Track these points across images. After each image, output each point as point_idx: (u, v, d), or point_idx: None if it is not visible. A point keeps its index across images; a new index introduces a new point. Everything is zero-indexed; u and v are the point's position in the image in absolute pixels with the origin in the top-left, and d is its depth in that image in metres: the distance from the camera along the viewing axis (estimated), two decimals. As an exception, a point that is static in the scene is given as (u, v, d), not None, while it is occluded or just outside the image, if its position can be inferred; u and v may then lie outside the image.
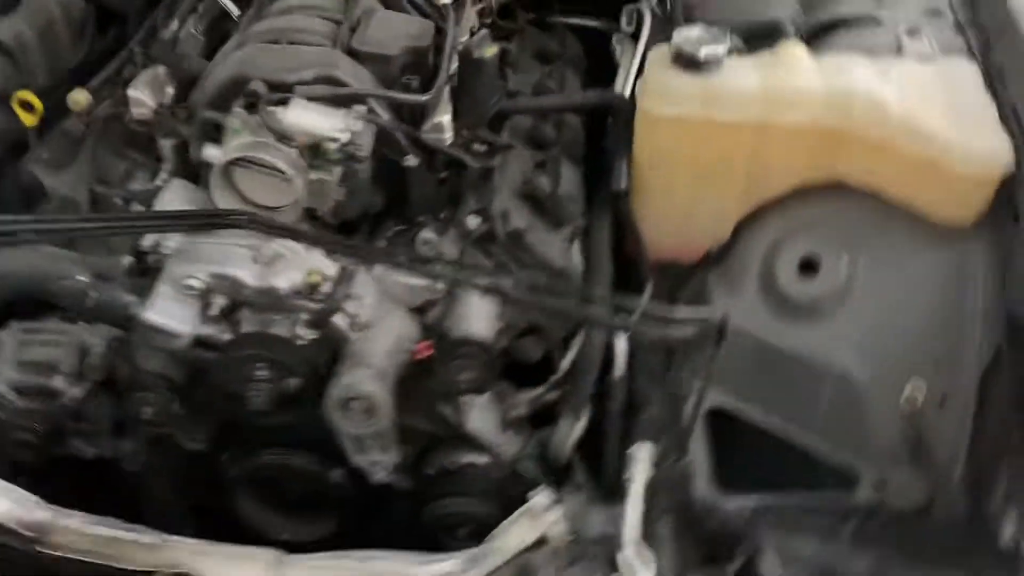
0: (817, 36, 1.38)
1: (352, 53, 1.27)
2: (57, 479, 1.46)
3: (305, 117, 1.15)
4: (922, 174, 1.22)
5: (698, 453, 1.33)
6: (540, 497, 0.93)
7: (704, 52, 1.23)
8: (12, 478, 1.40)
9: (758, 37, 1.33)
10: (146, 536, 0.95)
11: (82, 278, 1.19)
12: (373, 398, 1.22)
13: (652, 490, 1.07)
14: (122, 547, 0.94)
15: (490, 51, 1.31)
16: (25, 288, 1.20)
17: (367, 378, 1.22)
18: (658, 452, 1.10)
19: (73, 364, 1.29)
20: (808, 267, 1.32)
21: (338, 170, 1.16)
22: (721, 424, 1.38)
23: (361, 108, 1.18)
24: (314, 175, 1.18)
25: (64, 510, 0.98)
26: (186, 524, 1.54)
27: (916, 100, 1.23)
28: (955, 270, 1.25)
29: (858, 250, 1.31)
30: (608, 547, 0.93)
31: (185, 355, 1.25)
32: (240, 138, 1.16)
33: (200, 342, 1.24)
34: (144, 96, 1.30)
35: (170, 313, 1.20)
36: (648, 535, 1.15)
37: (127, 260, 1.26)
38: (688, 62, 1.24)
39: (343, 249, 1.16)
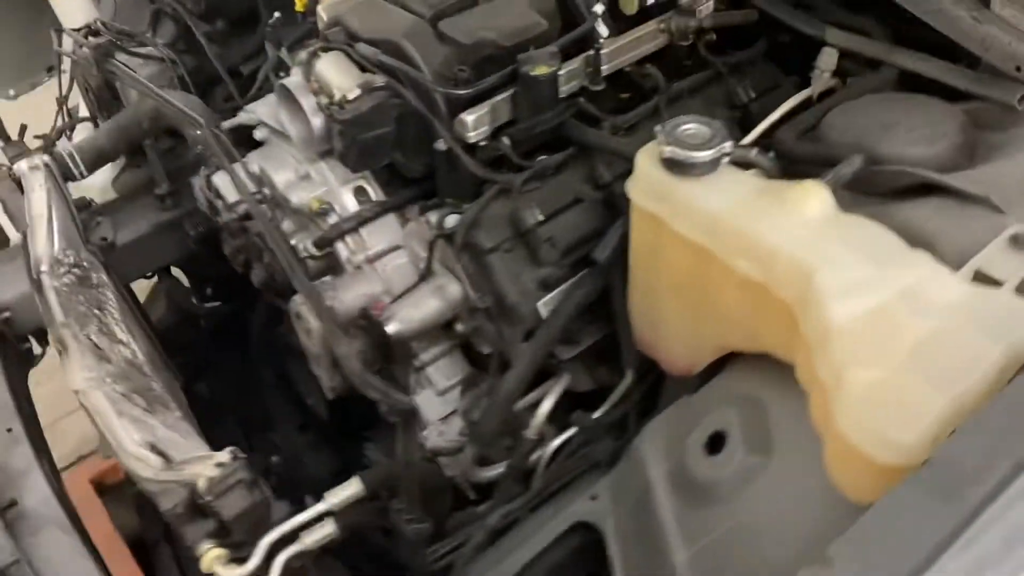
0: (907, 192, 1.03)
1: (439, 31, 1.34)
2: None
3: (326, 69, 1.29)
4: (823, 414, 0.90)
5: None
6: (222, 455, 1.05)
7: (686, 154, 1.04)
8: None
9: (809, 162, 1.06)
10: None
11: (199, 132, 1.54)
12: (310, 325, 1.39)
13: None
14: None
15: (541, 69, 1.26)
16: (172, 126, 1.60)
17: (309, 307, 1.39)
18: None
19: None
20: (714, 444, 1.08)
21: (336, 125, 1.29)
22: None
23: (376, 79, 1.28)
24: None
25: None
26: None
27: (893, 320, 0.88)
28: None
29: (769, 453, 1.03)
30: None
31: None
32: (294, 73, 1.37)
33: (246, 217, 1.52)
34: (323, 12, 1.54)
35: (229, 185, 1.50)
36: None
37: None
38: (669, 160, 1.06)
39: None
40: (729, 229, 1.00)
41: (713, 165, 1.05)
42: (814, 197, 0.99)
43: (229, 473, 1.06)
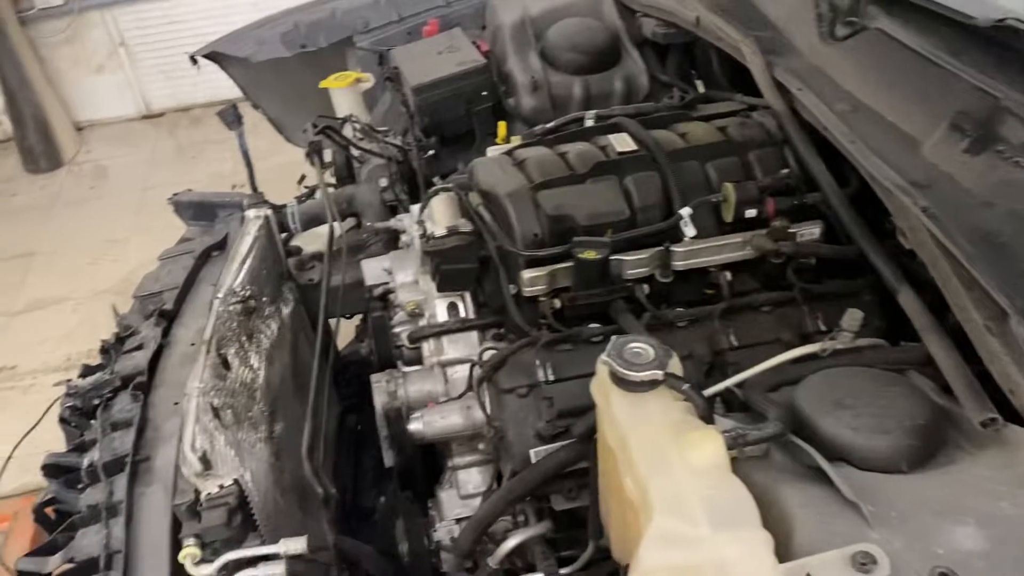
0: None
1: (535, 199, 1.57)
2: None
3: (435, 205, 1.59)
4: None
5: None
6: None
7: (620, 370, 1.15)
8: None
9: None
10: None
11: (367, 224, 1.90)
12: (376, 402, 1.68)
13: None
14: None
15: (588, 254, 1.42)
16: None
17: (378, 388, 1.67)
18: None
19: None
20: None
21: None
22: None
23: (466, 225, 1.54)
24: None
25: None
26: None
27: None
28: None
29: None
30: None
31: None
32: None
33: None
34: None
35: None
36: None
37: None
38: (611, 371, 1.17)
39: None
40: (629, 446, 1.10)
41: (647, 386, 1.15)
42: (707, 447, 1.05)
43: (222, 495, 1.36)
